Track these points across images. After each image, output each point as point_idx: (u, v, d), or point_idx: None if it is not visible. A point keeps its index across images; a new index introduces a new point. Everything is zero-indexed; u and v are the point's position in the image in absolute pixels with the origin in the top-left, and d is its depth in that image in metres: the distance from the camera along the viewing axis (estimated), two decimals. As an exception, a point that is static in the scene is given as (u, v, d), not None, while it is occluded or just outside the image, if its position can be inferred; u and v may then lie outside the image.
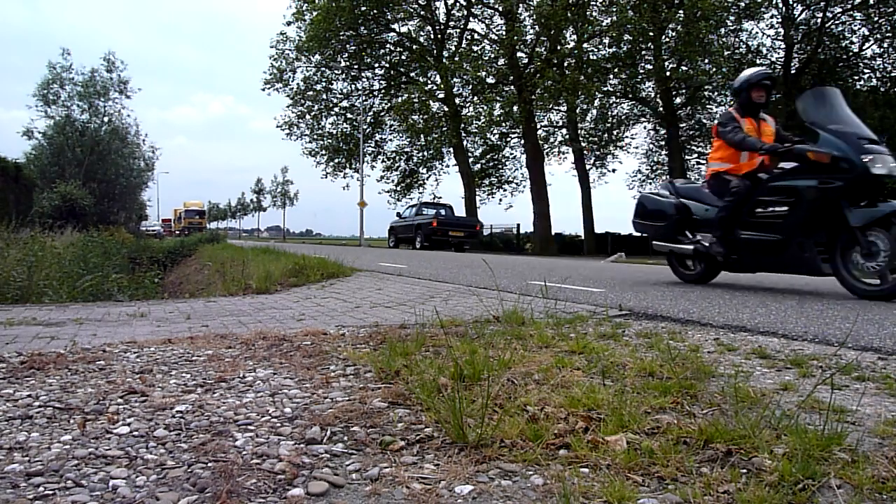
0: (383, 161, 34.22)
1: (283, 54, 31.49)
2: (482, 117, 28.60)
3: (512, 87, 28.48)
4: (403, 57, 32.38)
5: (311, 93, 32.14)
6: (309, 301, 5.55)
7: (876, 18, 26.67)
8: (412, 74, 32.25)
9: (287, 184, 69.61)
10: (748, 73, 6.31)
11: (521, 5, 27.53)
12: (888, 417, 1.96)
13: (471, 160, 31.97)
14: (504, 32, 28.57)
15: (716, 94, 29.76)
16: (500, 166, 34.34)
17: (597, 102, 29.05)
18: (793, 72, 29.00)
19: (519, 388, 2.21)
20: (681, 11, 24.35)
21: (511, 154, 34.17)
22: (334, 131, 33.34)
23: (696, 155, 34.26)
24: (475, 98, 30.26)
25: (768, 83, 6.19)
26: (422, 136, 30.34)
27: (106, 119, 43.45)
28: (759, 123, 6.23)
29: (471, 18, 30.99)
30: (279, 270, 7.64)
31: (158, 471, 1.56)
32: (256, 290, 6.59)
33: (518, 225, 32.40)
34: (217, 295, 6.89)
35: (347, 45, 30.77)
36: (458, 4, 30.68)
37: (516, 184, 33.85)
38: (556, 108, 28.85)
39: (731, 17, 25.79)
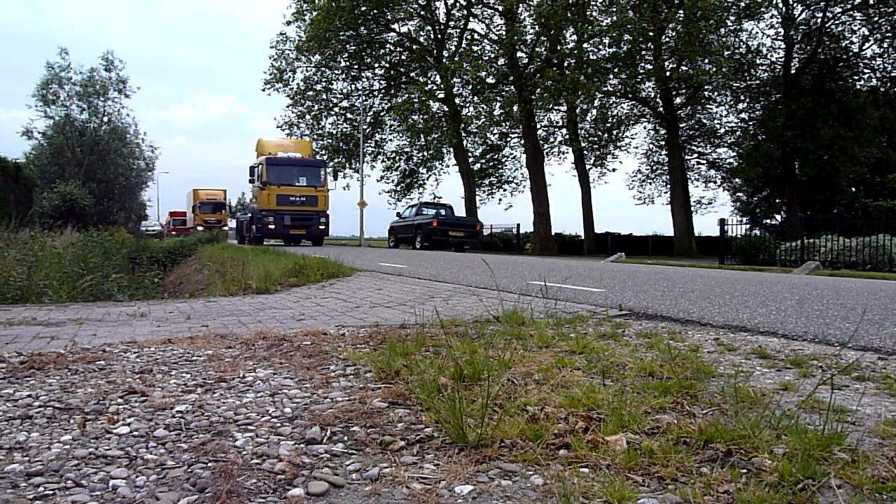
0: (383, 161, 34.21)
1: (283, 54, 31.48)
2: (482, 117, 28.59)
3: (512, 87, 28.46)
4: (403, 57, 32.37)
5: (311, 93, 32.12)
6: (309, 301, 5.55)
7: (876, 18, 26.66)
8: (412, 74, 32.24)
9: (287, 184, 69.36)
10: None
11: (521, 5, 27.50)
12: (888, 417, 1.96)
13: (471, 160, 31.96)
14: (504, 32, 28.55)
15: (716, 94, 29.77)
16: (500, 166, 34.33)
17: (597, 102, 29.01)
18: (793, 72, 28.99)
19: (519, 388, 2.21)
20: (681, 11, 24.32)
21: (511, 154, 34.19)
22: (334, 131, 33.33)
23: (695, 155, 34.28)
24: (475, 98, 30.23)
25: None
26: (422, 136, 30.33)
27: (105, 119, 43.56)
28: None
29: (471, 18, 30.98)
30: (279, 270, 7.64)
31: (158, 471, 1.56)
32: (256, 290, 6.59)
33: (518, 225, 32.39)
34: (217, 295, 6.88)
35: (347, 45, 30.74)
36: (458, 4, 30.66)
37: (516, 184, 33.86)
38: (556, 108, 28.83)
39: (731, 17, 25.75)
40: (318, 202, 21.52)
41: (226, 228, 44.25)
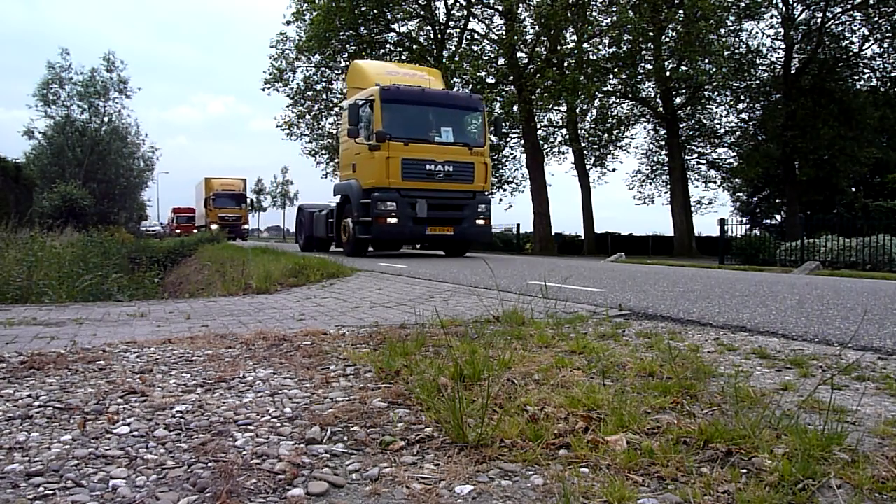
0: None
1: (283, 54, 31.49)
2: (482, 117, 28.53)
3: (512, 87, 28.45)
4: (403, 57, 32.38)
5: (311, 93, 32.12)
6: (309, 301, 5.55)
7: (876, 18, 26.66)
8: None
9: (287, 184, 69.75)
10: None
11: (521, 5, 27.51)
12: (888, 417, 1.96)
13: (471, 160, 31.92)
14: (504, 32, 28.56)
15: (716, 94, 29.77)
16: (500, 166, 34.33)
17: (597, 102, 29.00)
18: (793, 72, 28.99)
19: (519, 388, 2.21)
20: (681, 11, 24.33)
21: (511, 154, 34.18)
22: (334, 131, 33.36)
23: (696, 155, 34.29)
24: (475, 98, 30.21)
25: None
26: (422, 136, 30.29)
27: (106, 119, 43.63)
28: None
29: (471, 18, 30.98)
30: (279, 270, 7.64)
31: (158, 471, 1.56)
32: (256, 290, 6.59)
33: (518, 225, 32.40)
34: (217, 295, 6.88)
35: (347, 45, 30.76)
36: (458, 4, 30.67)
37: (516, 184, 33.82)
38: (556, 108, 28.83)
39: (731, 17, 25.76)
40: (476, 175, 12.01)
41: (246, 227, 36.76)
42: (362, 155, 11.91)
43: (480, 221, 12.14)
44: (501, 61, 29.49)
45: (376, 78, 12.69)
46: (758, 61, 29.38)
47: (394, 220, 11.32)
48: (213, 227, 32.14)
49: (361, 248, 12.43)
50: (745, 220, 34.75)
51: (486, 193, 12.47)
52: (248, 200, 39.09)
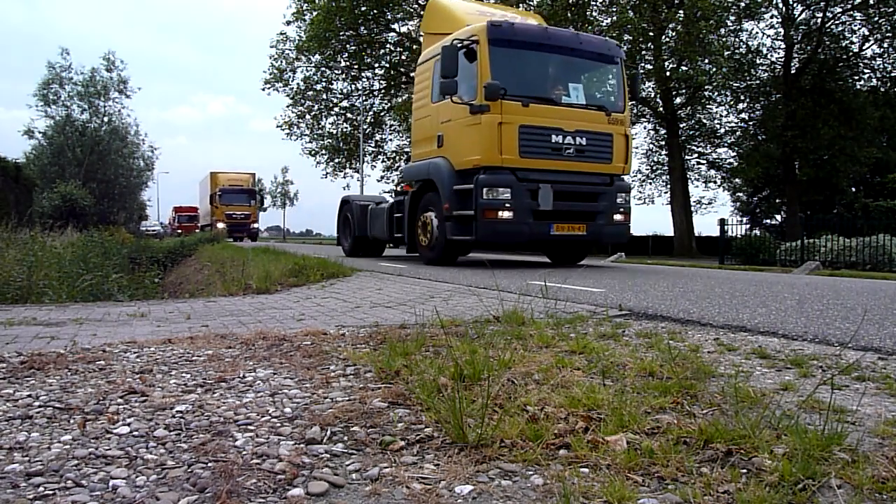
0: (383, 161, 34.20)
1: (283, 54, 31.53)
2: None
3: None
4: (403, 57, 32.37)
5: (311, 93, 32.15)
6: (309, 301, 5.55)
7: (876, 18, 26.66)
8: (412, 74, 32.23)
9: (287, 184, 69.74)
10: None
11: (521, 5, 27.54)
12: (888, 417, 1.96)
13: (471, 160, 31.88)
14: (504, 32, 28.59)
15: (716, 94, 29.77)
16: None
17: (597, 102, 29.02)
18: (793, 72, 28.99)
19: (519, 388, 2.21)
20: (681, 11, 24.35)
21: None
22: (334, 131, 33.38)
23: (696, 155, 34.29)
24: (475, 98, 30.14)
25: None
26: (422, 136, 30.22)
27: (106, 119, 43.73)
28: None
29: (471, 18, 31.04)
30: (279, 270, 7.64)
31: (158, 471, 1.56)
32: (256, 290, 6.59)
33: (518, 225, 32.34)
34: (217, 295, 6.88)
35: (347, 45, 30.77)
36: (458, 4, 30.73)
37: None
38: (557, 107, 28.83)
39: (731, 17, 25.76)
40: (615, 151, 9.00)
41: (256, 226, 34.88)
42: (457, 121, 8.69)
43: (619, 217, 9.08)
44: (501, 61, 29.47)
45: (467, 18, 9.40)
46: (758, 61, 29.37)
47: (507, 215, 8.22)
48: (220, 225, 30.11)
49: (453, 254, 9.32)
50: (745, 220, 34.73)
51: (626, 178, 9.40)
52: (258, 197, 36.11)
